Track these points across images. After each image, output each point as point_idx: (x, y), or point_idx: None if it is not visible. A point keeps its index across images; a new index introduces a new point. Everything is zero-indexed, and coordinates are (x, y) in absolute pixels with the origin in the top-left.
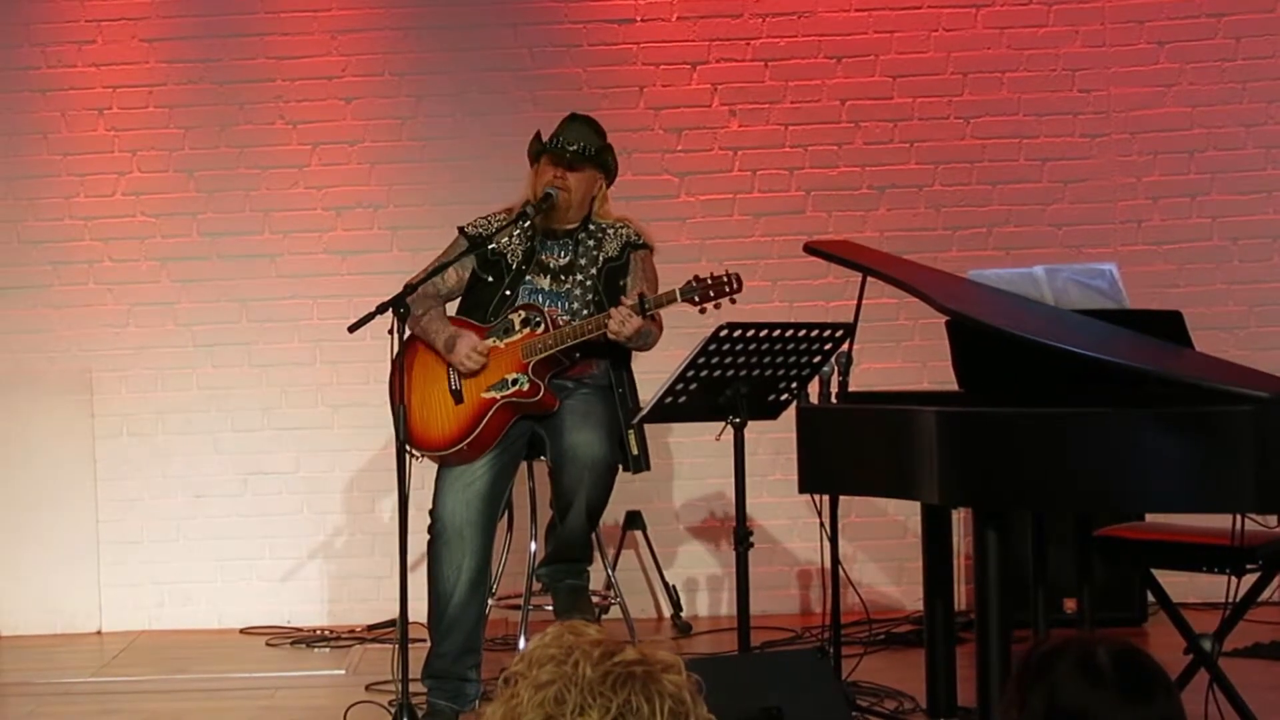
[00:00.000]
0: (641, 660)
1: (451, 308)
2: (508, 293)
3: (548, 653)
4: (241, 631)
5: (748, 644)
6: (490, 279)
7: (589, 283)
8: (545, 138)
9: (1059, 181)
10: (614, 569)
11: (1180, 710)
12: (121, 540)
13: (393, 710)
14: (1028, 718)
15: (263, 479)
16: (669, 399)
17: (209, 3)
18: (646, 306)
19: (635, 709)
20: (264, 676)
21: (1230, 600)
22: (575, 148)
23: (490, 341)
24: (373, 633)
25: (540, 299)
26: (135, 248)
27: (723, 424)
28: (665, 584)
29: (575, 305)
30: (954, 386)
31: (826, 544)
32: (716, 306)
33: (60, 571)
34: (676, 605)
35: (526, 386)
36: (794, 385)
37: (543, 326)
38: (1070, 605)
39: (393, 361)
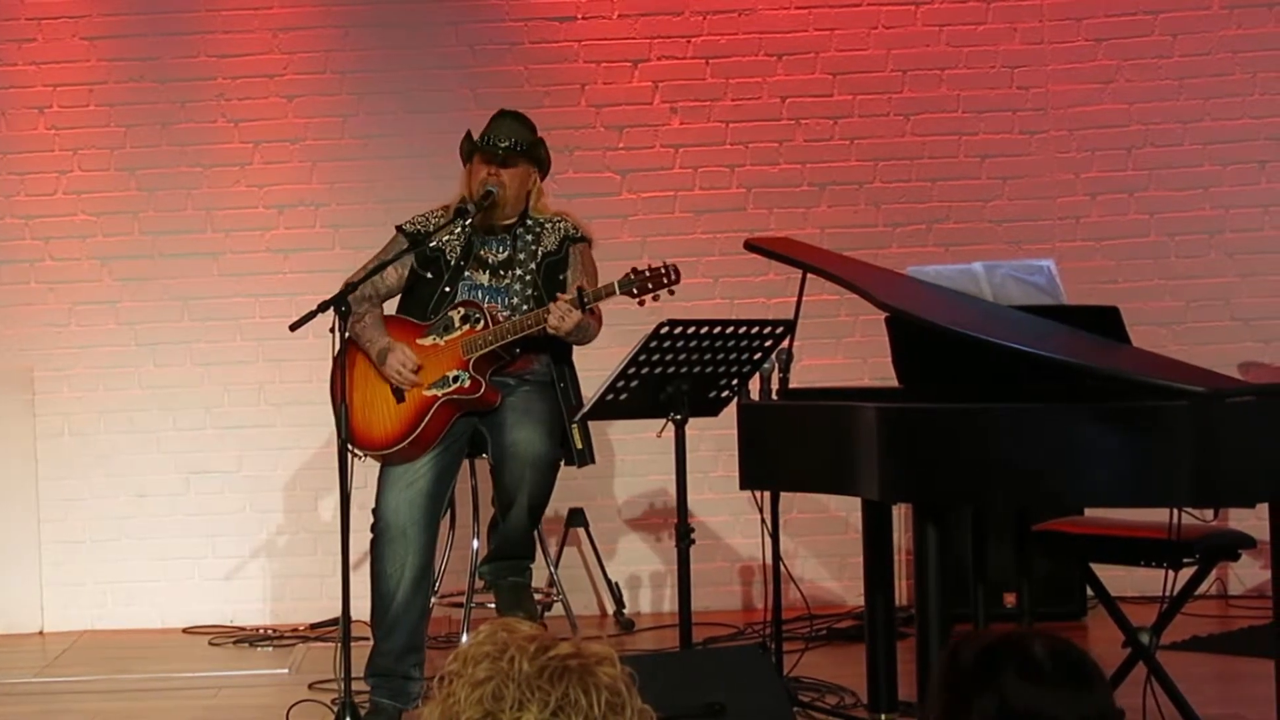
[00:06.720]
0: (576, 653)
1: (391, 306)
2: (447, 289)
3: (483, 650)
4: (184, 631)
5: (690, 640)
6: (429, 276)
7: (528, 277)
8: (476, 136)
9: (998, 178)
10: (556, 566)
11: (1110, 696)
12: (64, 540)
13: (336, 709)
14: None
15: (205, 478)
16: (610, 396)
17: (150, 1)
18: (585, 300)
19: (573, 702)
20: (207, 676)
21: (1168, 594)
22: (507, 144)
23: (430, 339)
24: (315, 631)
25: (480, 295)
26: (76, 246)
27: (664, 421)
28: (608, 581)
29: (515, 300)
30: (894, 383)
31: (768, 540)
32: (655, 299)
33: (1, 571)
34: (619, 602)
35: (468, 383)
36: (735, 382)
37: (482, 323)
38: (1010, 599)
39: (334, 360)
